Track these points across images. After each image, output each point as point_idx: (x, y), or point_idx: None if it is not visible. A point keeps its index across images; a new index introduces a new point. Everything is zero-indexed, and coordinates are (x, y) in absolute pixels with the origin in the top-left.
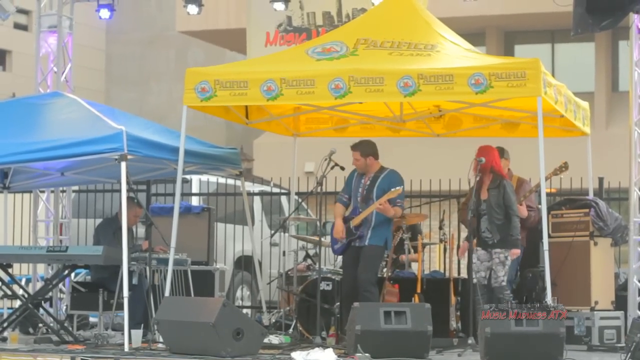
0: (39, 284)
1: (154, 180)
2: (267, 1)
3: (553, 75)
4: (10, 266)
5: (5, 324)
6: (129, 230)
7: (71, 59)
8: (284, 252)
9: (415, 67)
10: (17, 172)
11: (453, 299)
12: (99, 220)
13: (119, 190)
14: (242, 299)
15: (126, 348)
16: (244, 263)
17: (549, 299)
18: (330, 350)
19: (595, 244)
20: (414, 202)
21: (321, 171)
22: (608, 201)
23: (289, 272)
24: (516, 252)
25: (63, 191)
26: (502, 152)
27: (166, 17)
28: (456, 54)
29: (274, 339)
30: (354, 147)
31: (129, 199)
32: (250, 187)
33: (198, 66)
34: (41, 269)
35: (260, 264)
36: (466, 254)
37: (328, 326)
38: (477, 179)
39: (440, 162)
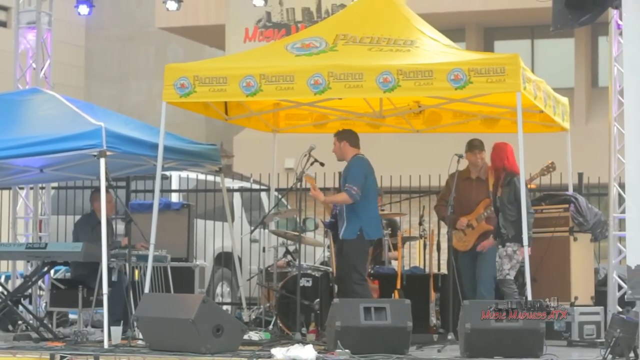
0: (18, 281)
1: (134, 176)
2: None
3: (533, 71)
4: None
5: None
6: (109, 225)
7: (50, 55)
8: (263, 249)
9: (395, 63)
10: None
11: (433, 295)
12: (78, 217)
13: (99, 187)
14: (222, 296)
15: (106, 345)
16: (224, 259)
17: (529, 294)
18: (310, 347)
19: (575, 239)
20: (393, 197)
21: (300, 167)
22: (588, 197)
23: (269, 269)
24: (522, 250)
25: (42, 188)
26: (470, 145)
27: (145, 14)
28: (435, 49)
29: (253, 336)
30: (335, 134)
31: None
32: (230, 183)
33: (177, 62)
34: (20, 266)
35: (240, 260)
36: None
37: (308, 322)
38: (455, 173)
39: (420, 157)
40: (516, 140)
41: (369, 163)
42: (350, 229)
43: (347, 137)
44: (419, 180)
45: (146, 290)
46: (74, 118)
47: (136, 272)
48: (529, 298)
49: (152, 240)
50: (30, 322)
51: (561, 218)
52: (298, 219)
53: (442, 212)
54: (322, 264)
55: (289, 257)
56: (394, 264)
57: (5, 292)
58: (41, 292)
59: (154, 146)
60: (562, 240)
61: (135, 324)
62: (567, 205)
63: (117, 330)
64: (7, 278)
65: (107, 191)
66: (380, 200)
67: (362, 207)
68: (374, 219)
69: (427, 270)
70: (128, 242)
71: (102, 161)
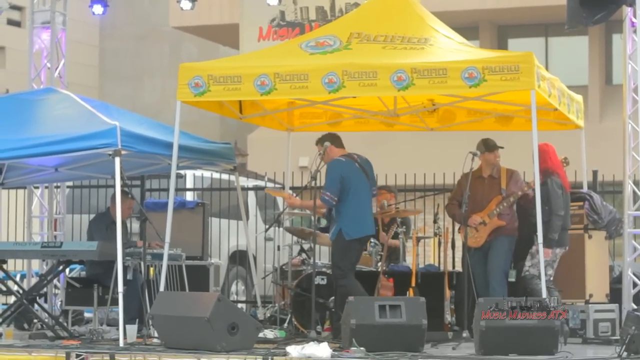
0: (34, 280)
1: (148, 175)
2: None
3: (547, 68)
4: (5, 262)
5: (0, 320)
6: (123, 224)
7: (64, 54)
8: (278, 247)
9: (409, 61)
10: (11, 168)
11: (448, 293)
12: (93, 216)
13: (113, 186)
14: (236, 294)
15: (121, 343)
16: (239, 258)
17: (544, 292)
18: (325, 344)
19: (590, 237)
20: (408, 195)
21: (315, 166)
22: (602, 194)
23: (284, 267)
24: (546, 251)
25: (57, 187)
26: (489, 145)
27: (159, 13)
28: (449, 47)
29: (268, 334)
30: (317, 141)
31: (122, 192)
32: (244, 182)
33: (191, 61)
34: (36, 264)
35: (254, 258)
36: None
37: (323, 320)
38: (469, 172)
39: (435, 155)
40: (530, 138)
41: (348, 164)
42: (333, 230)
43: (330, 140)
44: (434, 178)
45: (161, 288)
46: (88, 117)
47: (151, 270)
48: (545, 296)
49: (167, 238)
50: (46, 320)
51: (576, 216)
52: (313, 218)
53: (452, 210)
54: None
55: (304, 255)
56: (408, 260)
57: (21, 291)
58: (56, 291)
59: (169, 145)
60: (576, 238)
61: (150, 322)
62: (581, 203)
63: (132, 329)
64: (23, 277)
65: (128, 196)
66: (394, 198)
67: (341, 209)
68: (354, 218)
69: (441, 268)
70: (143, 241)
71: (117, 160)
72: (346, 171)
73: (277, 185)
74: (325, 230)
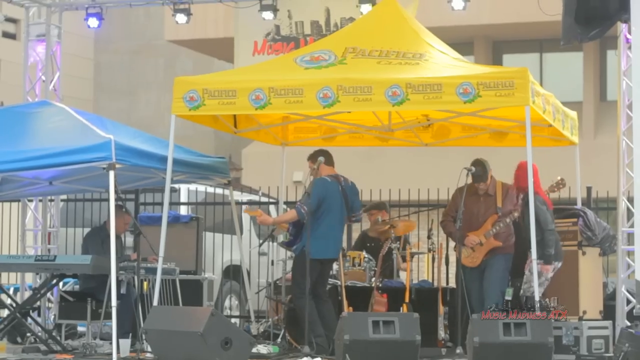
0: (27, 293)
1: (143, 189)
2: (255, 10)
3: (541, 84)
4: None
5: None
6: (118, 239)
7: (59, 67)
8: (272, 262)
9: (404, 76)
10: (5, 181)
11: (441, 309)
12: (87, 230)
13: (108, 200)
14: (230, 309)
15: (114, 357)
16: (233, 272)
17: (537, 309)
18: None
19: (584, 253)
20: (402, 211)
21: (309, 180)
22: (596, 210)
23: (278, 282)
24: (546, 267)
25: (51, 200)
26: (479, 176)
27: (154, 26)
28: (444, 63)
29: (262, 349)
30: (309, 157)
31: (118, 207)
32: (238, 196)
33: (186, 75)
34: (29, 278)
35: (248, 273)
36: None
37: None
38: (464, 187)
39: (429, 171)
40: (524, 154)
41: (332, 185)
42: (298, 245)
43: (323, 156)
44: (428, 193)
45: (155, 302)
46: (83, 130)
47: (145, 284)
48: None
49: (161, 252)
50: (39, 334)
51: (570, 232)
52: (307, 232)
53: (448, 228)
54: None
55: None
56: (402, 276)
57: (14, 304)
58: (50, 305)
59: (163, 159)
60: (570, 254)
61: (143, 336)
62: (575, 220)
63: (125, 343)
64: (16, 290)
65: (125, 212)
66: (385, 214)
67: (311, 227)
68: (320, 239)
69: (435, 283)
70: (137, 255)
71: (112, 174)
72: (328, 192)
73: (271, 200)
74: (290, 244)
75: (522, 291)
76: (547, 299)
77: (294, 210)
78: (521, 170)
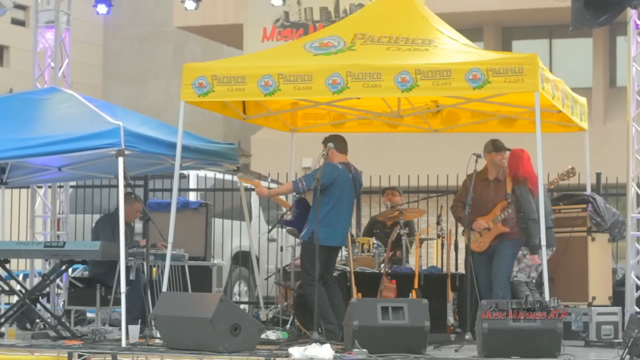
0: (37, 280)
1: (152, 175)
2: None
3: (551, 70)
4: (8, 262)
5: (2, 320)
6: (128, 225)
7: (68, 54)
8: (281, 248)
9: (413, 63)
10: (15, 167)
11: (450, 295)
12: (96, 216)
13: (117, 186)
14: (239, 295)
15: (123, 343)
16: (242, 258)
17: (546, 295)
18: (327, 346)
19: (593, 239)
20: (411, 197)
21: (318, 166)
22: (606, 197)
23: (287, 268)
24: (533, 257)
25: (60, 186)
26: (497, 146)
27: (163, 13)
28: (454, 49)
29: (271, 335)
30: (323, 140)
31: (128, 194)
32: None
33: (195, 61)
34: (39, 264)
35: (257, 259)
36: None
37: None
38: (473, 173)
39: (438, 157)
40: (534, 140)
41: (342, 172)
42: (306, 231)
43: (335, 142)
44: (437, 179)
45: (164, 289)
46: (92, 117)
47: (154, 270)
48: (547, 299)
49: (170, 239)
50: (48, 320)
51: (579, 218)
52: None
53: (458, 212)
54: (339, 263)
55: None
56: (411, 262)
57: (24, 291)
58: (59, 291)
59: (172, 145)
60: (579, 241)
61: (152, 322)
62: (585, 206)
63: (134, 329)
64: (25, 276)
65: (135, 199)
66: (397, 196)
67: (320, 213)
68: (330, 226)
69: (444, 270)
70: (146, 241)
71: (121, 160)
72: (338, 179)
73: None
74: (290, 223)
75: (511, 279)
76: (550, 298)
77: (290, 183)
78: (512, 158)
